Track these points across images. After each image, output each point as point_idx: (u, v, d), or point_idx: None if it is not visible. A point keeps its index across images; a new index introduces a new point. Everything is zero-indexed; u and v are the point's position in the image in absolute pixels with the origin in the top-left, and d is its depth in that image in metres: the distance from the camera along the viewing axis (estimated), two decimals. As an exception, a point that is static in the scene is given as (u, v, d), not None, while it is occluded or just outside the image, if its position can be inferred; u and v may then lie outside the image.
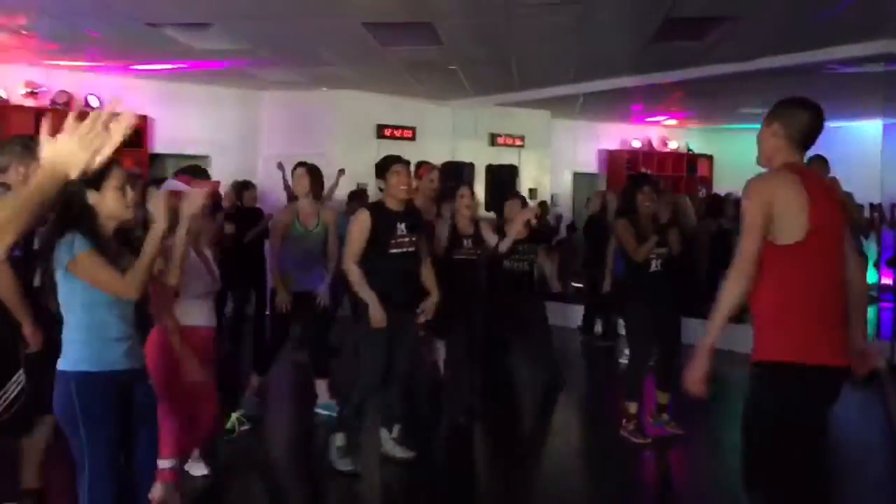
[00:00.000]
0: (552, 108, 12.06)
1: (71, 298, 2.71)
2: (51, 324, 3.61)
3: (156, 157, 9.88)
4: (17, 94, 8.70)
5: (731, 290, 2.67)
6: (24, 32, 7.11)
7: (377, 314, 4.34)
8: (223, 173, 8.83)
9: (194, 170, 4.17)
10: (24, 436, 3.72)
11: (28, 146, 3.54)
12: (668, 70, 8.66)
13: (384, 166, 4.55)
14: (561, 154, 13.16)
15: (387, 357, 4.45)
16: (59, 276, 2.69)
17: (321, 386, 5.75)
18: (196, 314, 3.84)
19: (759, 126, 2.88)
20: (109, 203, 2.72)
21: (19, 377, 3.50)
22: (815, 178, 2.85)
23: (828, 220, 2.69)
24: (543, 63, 8.48)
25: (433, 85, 9.86)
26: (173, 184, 3.62)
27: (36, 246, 3.50)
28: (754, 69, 8.09)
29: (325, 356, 5.81)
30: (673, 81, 9.00)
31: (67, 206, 2.65)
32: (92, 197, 2.69)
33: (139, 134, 9.50)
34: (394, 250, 4.45)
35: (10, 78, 8.70)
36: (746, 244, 2.67)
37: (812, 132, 2.78)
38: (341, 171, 8.57)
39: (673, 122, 13.98)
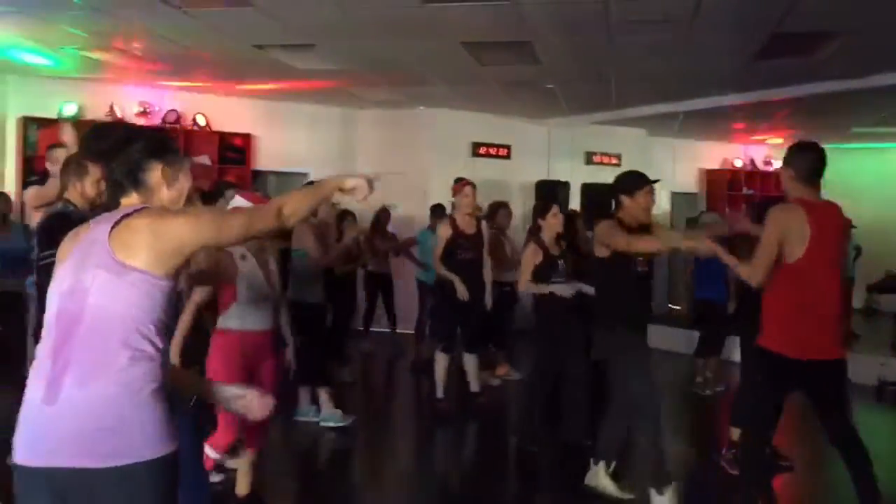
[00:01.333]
0: (649, 127, 11.84)
1: None
2: None
3: (258, 174, 10.18)
4: (130, 114, 9.12)
5: (744, 273, 3.68)
6: (138, 55, 7.45)
7: None
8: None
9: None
10: None
11: (81, 164, 3.83)
12: (774, 87, 8.37)
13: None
14: (658, 173, 12.78)
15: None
16: None
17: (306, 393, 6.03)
18: (250, 318, 4.00)
19: (873, 146, 2.99)
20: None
21: None
22: (822, 209, 3.59)
23: (820, 248, 3.51)
24: (643, 81, 8.34)
25: (529, 103, 9.83)
26: (239, 200, 3.90)
27: None
28: (869, 86, 7.74)
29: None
30: (779, 99, 8.70)
31: None
32: None
33: (243, 151, 9.83)
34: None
35: (125, 98, 9.13)
36: (761, 258, 3.58)
37: (818, 169, 3.62)
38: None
39: (778, 140, 13.51)
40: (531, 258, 5.36)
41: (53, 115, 8.65)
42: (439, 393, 6.43)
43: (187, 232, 1.96)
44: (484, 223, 6.49)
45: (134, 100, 9.17)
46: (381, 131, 10.76)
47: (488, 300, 6.32)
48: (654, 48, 6.76)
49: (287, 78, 8.40)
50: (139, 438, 1.88)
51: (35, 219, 4.54)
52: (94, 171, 3.79)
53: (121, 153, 2.10)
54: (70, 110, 8.76)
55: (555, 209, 5.58)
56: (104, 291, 1.91)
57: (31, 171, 8.55)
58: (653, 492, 4.18)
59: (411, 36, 6.50)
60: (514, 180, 10.61)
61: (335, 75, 8.24)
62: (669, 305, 10.88)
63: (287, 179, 10.33)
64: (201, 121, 9.53)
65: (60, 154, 4.54)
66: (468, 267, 6.20)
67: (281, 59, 7.43)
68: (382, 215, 8.45)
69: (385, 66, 7.85)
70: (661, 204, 13.22)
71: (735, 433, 5.08)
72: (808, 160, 3.60)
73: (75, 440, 1.85)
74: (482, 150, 10.78)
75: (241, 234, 2.06)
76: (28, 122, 8.62)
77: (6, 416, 2.16)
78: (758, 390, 4.02)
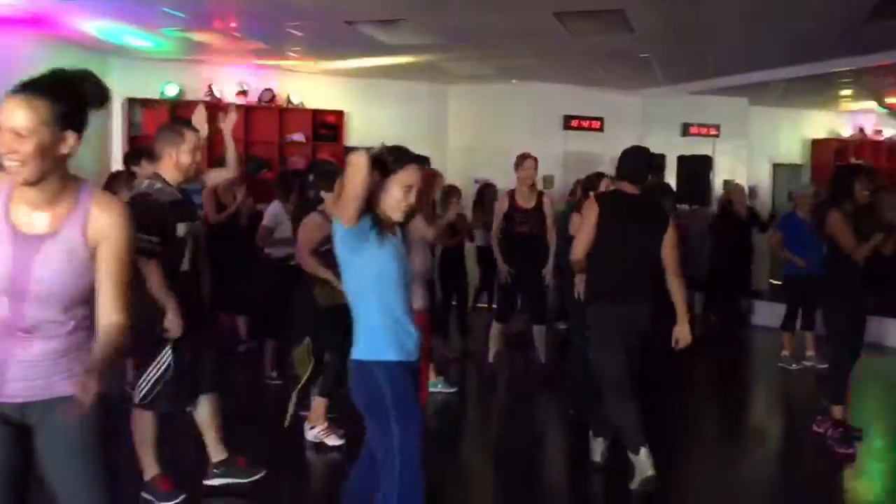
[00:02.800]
0: (750, 95, 11.38)
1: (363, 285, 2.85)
2: (199, 307, 3.84)
3: (350, 151, 10.29)
4: (230, 93, 9.37)
5: None
6: (236, 35, 7.64)
7: None
8: (413, 165, 9.10)
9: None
10: (178, 411, 4.01)
11: (177, 131, 3.77)
12: (886, 51, 7.90)
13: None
14: (759, 144, 12.39)
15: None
16: (351, 261, 2.83)
17: None
18: (416, 296, 3.94)
19: None
20: (393, 196, 2.86)
21: (165, 356, 3.69)
22: None
23: None
24: (742, 47, 8.01)
25: (623, 74, 9.59)
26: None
27: (181, 233, 3.72)
28: None
29: None
30: (892, 63, 8.20)
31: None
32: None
33: (335, 129, 9.97)
34: None
35: (224, 78, 9.38)
36: None
37: None
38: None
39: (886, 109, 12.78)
40: None
41: (156, 96, 8.97)
42: (490, 358, 6.64)
43: None
44: (547, 198, 6.42)
45: (232, 79, 9.42)
46: (471, 106, 10.72)
47: (546, 275, 6.28)
48: (754, 11, 6.47)
49: (377, 53, 8.45)
50: None
51: None
52: (191, 139, 3.81)
53: None
54: (171, 91, 9.07)
55: (605, 182, 5.54)
56: None
57: (136, 150, 8.91)
58: (630, 454, 4.17)
59: (503, 7, 6.42)
60: (607, 153, 10.37)
61: (425, 50, 8.23)
62: (770, 281, 10.51)
63: (379, 156, 10.40)
64: (295, 99, 9.71)
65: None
66: (523, 240, 6.24)
67: (371, 35, 7.47)
68: (486, 190, 8.41)
69: (476, 39, 7.79)
70: (762, 176, 12.75)
71: (837, 411, 4.91)
72: None
73: None
74: (574, 123, 10.60)
75: None
76: (132, 104, 8.97)
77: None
78: None
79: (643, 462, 4.08)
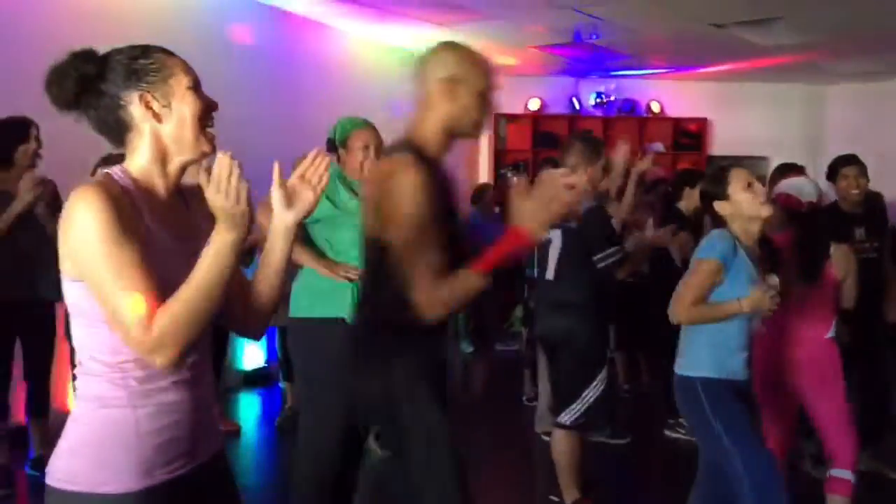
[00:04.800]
0: None
1: None
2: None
3: (713, 160, 9.80)
4: (587, 105, 9.42)
5: None
6: (597, 46, 7.64)
7: None
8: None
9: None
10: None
11: (597, 149, 3.71)
12: None
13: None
14: None
15: None
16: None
17: None
18: None
19: None
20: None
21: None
22: None
23: None
24: None
25: None
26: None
27: None
28: None
29: None
30: None
31: None
32: None
33: (698, 137, 9.54)
34: None
35: (583, 90, 9.46)
36: None
37: None
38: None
39: None
40: None
41: (520, 111, 9.33)
42: None
43: None
44: None
45: (591, 91, 9.47)
46: (855, 108, 9.54)
47: None
48: None
49: (746, 57, 7.90)
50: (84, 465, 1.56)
51: None
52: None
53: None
54: (534, 105, 9.37)
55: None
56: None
57: (501, 163, 9.37)
58: None
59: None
60: None
61: (802, 48, 7.51)
62: None
63: (746, 164, 9.68)
64: (655, 107, 9.47)
65: None
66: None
67: (741, 36, 6.99)
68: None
69: (865, 30, 6.91)
70: None
71: None
72: None
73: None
74: None
75: None
76: (499, 118, 9.43)
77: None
78: None
79: None
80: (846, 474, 3.24)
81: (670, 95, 9.49)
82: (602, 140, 3.99)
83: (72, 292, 1.55)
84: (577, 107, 9.38)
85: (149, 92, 1.56)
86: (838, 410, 3.28)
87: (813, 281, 3.31)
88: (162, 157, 1.60)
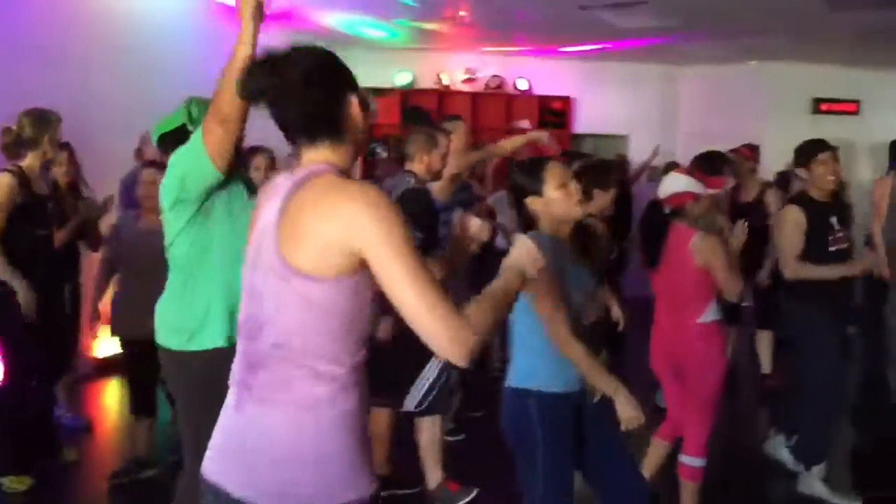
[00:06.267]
0: None
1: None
2: None
3: (576, 137, 10.05)
4: (457, 81, 9.42)
5: None
6: (465, 22, 7.62)
7: None
8: (642, 153, 8.71)
9: None
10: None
11: (432, 136, 3.72)
12: None
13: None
14: None
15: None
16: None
17: None
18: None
19: None
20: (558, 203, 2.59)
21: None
22: None
23: None
24: None
25: (884, 52, 8.55)
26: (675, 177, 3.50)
27: None
28: None
29: None
30: None
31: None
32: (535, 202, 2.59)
33: (563, 115, 9.74)
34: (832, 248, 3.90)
35: (452, 65, 9.45)
36: None
37: None
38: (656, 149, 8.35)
39: None
40: None
41: (388, 85, 9.20)
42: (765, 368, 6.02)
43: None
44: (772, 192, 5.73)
45: (460, 67, 9.46)
46: (705, 89, 10.06)
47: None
48: None
49: (609, 38, 8.11)
50: (314, 477, 1.51)
51: None
52: (444, 143, 3.78)
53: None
54: (403, 79, 9.26)
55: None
56: (277, 303, 1.52)
57: (371, 139, 9.22)
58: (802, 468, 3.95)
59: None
60: (865, 140, 9.37)
61: (659, 31, 7.78)
62: None
63: (607, 142, 10.06)
64: (522, 85, 9.58)
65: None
66: None
67: (607, 19, 7.15)
68: None
69: (716, 18, 7.23)
70: None
71: None
72: None
73: (245, 465, 1.53)
74: (824, 107, 9.64)
75: None
76: (367, 92, 9.25)
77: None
78: None
79: None
80: (696, 461, 3.34)
81: (536, 74, 9.63)
82: (441, 128, 3.92)
83: (327, 292, 1.48)
84: (445, 82, 9.36)
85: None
86: (698, 396, 3.32)
87: (654, 265, 3.55)
88: None
